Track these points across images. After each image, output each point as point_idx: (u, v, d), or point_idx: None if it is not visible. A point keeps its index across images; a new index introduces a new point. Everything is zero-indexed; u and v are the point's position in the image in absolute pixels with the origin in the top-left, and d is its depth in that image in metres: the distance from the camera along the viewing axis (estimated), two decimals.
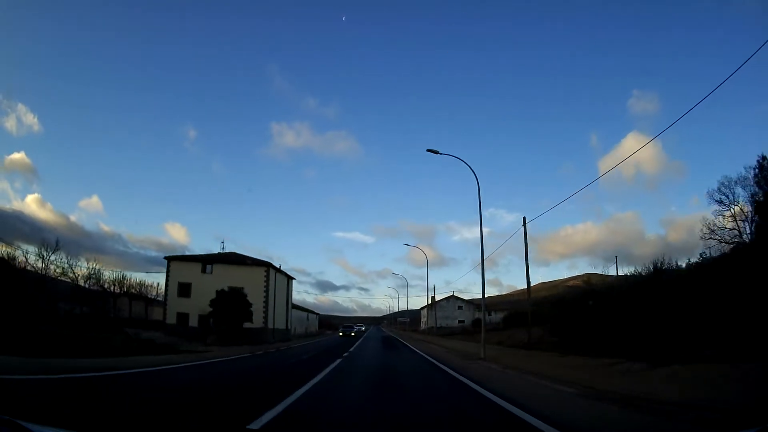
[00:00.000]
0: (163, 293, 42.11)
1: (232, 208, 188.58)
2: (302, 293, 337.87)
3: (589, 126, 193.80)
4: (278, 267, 46.35)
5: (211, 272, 41.47)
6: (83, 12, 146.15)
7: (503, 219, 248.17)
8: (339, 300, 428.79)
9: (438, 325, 74.75)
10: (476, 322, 65.15)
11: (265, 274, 41.46)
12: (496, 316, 78.07)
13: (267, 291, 40.87)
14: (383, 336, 62.27)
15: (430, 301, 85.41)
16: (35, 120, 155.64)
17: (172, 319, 39.35)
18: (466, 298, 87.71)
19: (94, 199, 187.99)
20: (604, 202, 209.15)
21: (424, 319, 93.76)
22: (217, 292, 33.98)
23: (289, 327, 54.51)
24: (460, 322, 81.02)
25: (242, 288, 38.68)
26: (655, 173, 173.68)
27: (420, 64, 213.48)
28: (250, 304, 34.95)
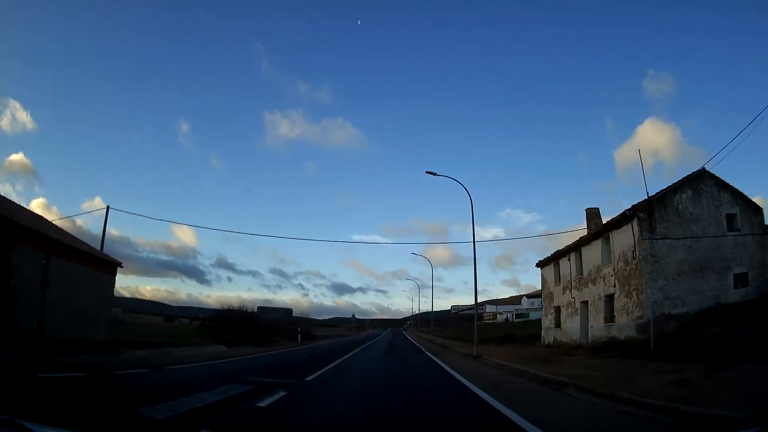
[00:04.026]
0: None
1: (238, 209, 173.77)
2: (318, 296, 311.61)
3: (604, 113, 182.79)
4: None
5: None
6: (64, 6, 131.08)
7: (520, 219, 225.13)
8: (357, 303, 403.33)
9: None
10: None
11: None
12: None
13: None
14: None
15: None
16: (28, 117, 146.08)
17: None
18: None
19: (97, 201, 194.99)
20: (621, 197, 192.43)
21: (594, 295, 24.42)
22: None
23: None
24: (739, 279, 18.23)
25: None
26: (673, 163, 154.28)
27: (422, 51, 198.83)
28: None
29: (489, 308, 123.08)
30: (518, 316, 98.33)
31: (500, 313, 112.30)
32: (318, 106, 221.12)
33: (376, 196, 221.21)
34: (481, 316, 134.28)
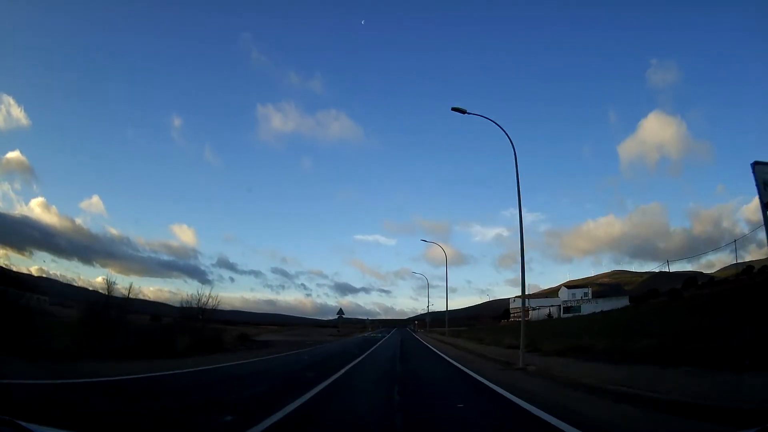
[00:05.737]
0: None
1: (236, 207, 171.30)
2: (322, 296, 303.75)
3: (607, 107, 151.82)
4: None
5: None
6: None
7: (523, 218, 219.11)
8: (361, 303, 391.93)
9: None
10: None
11: None
12: None
13: None
14: None
15: None
16: (22, 113, 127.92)
17: None
18: None
19: (95, 200, 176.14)
20: (626, 194, 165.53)
21: None
22: None
23: None
24: None
25: None
26: (679, 157, 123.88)
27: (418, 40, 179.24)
28: None
29: (518, 302, 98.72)
30: (566, 310, 73.91)
31: (534, 308, 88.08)
32: (311, 97, 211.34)
33: (375, 192, 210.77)
34: (508, 312, 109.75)
